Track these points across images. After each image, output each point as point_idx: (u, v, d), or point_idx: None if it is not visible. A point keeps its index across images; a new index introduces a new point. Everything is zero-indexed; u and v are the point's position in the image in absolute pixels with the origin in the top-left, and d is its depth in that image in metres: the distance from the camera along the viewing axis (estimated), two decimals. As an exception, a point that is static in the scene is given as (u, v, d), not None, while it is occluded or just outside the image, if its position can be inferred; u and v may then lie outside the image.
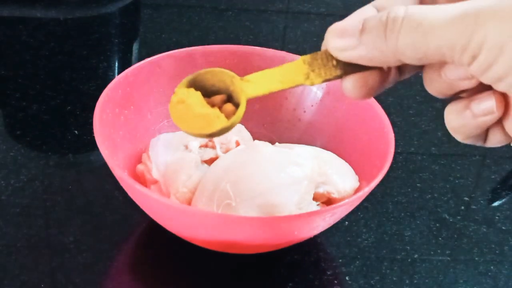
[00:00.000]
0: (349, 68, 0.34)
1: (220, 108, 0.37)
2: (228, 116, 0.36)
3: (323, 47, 0.35)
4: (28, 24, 0.78)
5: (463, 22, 0.29)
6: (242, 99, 0.36)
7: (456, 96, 0.35)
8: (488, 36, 0.29)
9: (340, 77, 0.35)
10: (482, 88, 0.33)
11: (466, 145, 0.67)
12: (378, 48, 0.32)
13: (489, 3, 0.29)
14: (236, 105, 0.36)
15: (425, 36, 0.30)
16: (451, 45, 0.30)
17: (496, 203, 0.61)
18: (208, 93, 0.37)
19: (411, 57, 0.32)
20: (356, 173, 0.52)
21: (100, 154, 0.47)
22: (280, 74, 0.36)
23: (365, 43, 0.32)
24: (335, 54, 0.34)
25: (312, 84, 0.35)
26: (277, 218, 0.46)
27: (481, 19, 0.29)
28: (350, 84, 0.35)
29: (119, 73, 0.54)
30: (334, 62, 0.35)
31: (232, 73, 0.37)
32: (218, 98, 0.37)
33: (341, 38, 0.33)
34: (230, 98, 0.37)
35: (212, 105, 0.37)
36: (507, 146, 0.68)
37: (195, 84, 0.37)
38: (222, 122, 0.36)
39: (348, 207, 0.47)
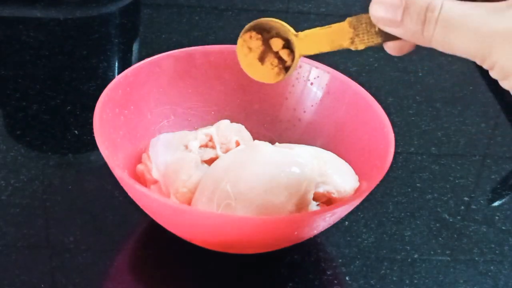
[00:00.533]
0: (389, 35, 0.38)
1: (277, 53, 0.43)
2: (282, 61, 0.43)
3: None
4: (28, 24, 0.78)
5: (480, 42, 0.34)
6: (296, 56, 0.42)
7: None
8: (498, 61, 0.34)
9: (380, 43, 0.39)
10: None
11: (466, 145, 0.67)
12: (416, 36, 0.36)
13: (503, 27, 0.34)
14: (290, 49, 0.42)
15: (451, 43, 0.35)
16: (472, 55, 0.35)
17: (496, 203, 0.61)
18: (267, 32, 0.43)
19: (442, 50, 0.36)
20: (356, 173, 0.52)
21: (100, 154, 0.47)
22: (329, 35, 0.40)
23: (405, 28, 0.36)
24: (377, 24, 0.38)
25: (356, 49, 0.39)
26: (277, 218, 0.46)
27: (494, 44, 0.34)
28: (389, 47, 0.39)
29: (119, 73, 0.54)
30: (377, 29, 0.38)
31: (288, 28, 0.42)
32: (277, 45, 0.42)
33: (385, 9, 0.37)
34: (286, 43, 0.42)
35: (270, 48, 0.43)
36: (507, 146, 0.68)
37: (258, 28, 0.43)
38: (280, 76, 0.43)
39: (348, 207, 0.47)
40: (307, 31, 0.41)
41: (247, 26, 0.43)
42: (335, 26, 0.40)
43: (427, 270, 0.53)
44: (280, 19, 0.43)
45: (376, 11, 0.37)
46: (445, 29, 0.35)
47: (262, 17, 0.43)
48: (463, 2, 0.35)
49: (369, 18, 0.38)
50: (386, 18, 0.37)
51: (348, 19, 0.39)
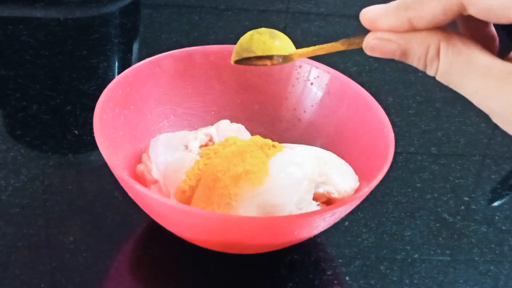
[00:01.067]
0: None
1: None
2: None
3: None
4: (28, 24, 0.78)
5: (481, 100, 0.34)
6: (294, 58, 0.43)
7: None
8: (499, 125, 0.34)
9: None
10: None
11: (466, 145, 0.67)
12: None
13: (501, 103, 0.33)
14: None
15: (455, 88, 0.35)
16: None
17: (496, 203, 0.61)
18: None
19: None
20: (356, 173, 0.52)
21: (100, 154, 0.47)
22: (322, 51, 0.40)
23: (407, 61, 0.36)
24: (371, 53, 0.37)
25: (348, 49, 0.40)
26: (277, 218, 0.46)
27: (495, 113, 0.34)
28: None
29: (119, 73, 0.54)
30: None
31: (280, 54, 0.42)
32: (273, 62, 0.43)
33: (381, 50, 0.36)
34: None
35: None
36: (507, 146, 0.68)
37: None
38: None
39: (348, 207, 0.47)
40: (300, 52, 0.41)
41: (233, 60, 0.43)
42: (327, 45, 0.40)
43: (427, 270, 0.53)
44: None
45: (372, 49, 0.36)
46: (445, 78, 0.35)
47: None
48: (460, 52, 0.34)
49: (362, 42, 0.38)
50: (384, 54, 0.36)
51: (341, 40, 0.39)
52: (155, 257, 0.52)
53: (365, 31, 0.37)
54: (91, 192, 0.56)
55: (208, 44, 0.59)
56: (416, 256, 0.54)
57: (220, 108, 0.59)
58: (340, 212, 0.47)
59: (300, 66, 0.58)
